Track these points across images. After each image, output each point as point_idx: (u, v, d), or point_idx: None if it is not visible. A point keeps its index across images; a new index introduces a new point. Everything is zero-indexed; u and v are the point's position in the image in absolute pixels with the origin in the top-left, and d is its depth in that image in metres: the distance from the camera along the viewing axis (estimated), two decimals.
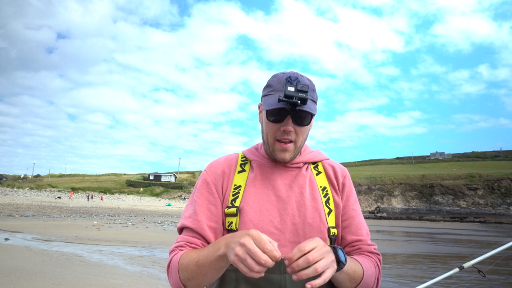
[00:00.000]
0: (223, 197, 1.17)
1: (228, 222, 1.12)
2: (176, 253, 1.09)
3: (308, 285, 0.85)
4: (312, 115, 1.12)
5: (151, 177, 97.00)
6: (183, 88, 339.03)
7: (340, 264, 0.94)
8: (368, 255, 1.16)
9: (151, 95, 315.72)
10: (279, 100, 1.03)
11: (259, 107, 1.24)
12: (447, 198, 68.64)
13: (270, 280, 1.03)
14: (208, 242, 1.11)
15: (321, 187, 1.20)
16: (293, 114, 1.10)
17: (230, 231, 1.11)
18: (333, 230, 1.15)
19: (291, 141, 1.14)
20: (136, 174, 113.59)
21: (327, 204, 1.17)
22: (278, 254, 0.83)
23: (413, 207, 67.27)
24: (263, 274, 0.84)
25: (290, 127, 1.11)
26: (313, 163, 1.26)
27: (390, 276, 8.92)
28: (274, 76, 1.16)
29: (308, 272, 0.84)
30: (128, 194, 74.20)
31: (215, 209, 1.15)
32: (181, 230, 1.17)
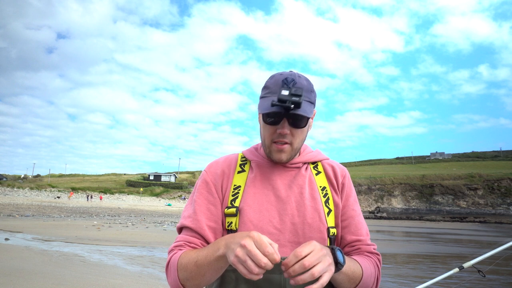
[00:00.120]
0: (223, 197, 1.17)
1: (228, 222, 1.12)
2: (175, 253, 1.08)
3: None
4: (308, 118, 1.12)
5: (151, 177, 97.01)
6: (183, 88, 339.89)
7: (338, 265, 0.93)
8: (367, 255, 1.16)
9: (151, 95, 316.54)
10: (273, 105, 1.03)
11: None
12: (447, 198, 68.63)
13: (270, 280, 1.03)
14: (207, 242, 1.11)
15: (320, 187, 1.20)
16: (289, 117, 1.09)
17: (230, 231, 1.11)
18: (333, 230, 1.15)
19: (287, 143, 1.13)
20: (136, 174, 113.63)
21: (327, 204, 1.17)
22: (278, 257, 0.82)
23: (413, 207, 67.25)
24: (261, 277, 0.84)
25: (286, 129, 1.10)
26: (313, 163, 1.26)
27: (390, 276, 8.92)
28: (271, 77, 1.15)
29: (305, 277, 0.83)
30: (128, 194, 74.17)
31: (214, 209, 1.15)
32: (180, 229, 1.17)
